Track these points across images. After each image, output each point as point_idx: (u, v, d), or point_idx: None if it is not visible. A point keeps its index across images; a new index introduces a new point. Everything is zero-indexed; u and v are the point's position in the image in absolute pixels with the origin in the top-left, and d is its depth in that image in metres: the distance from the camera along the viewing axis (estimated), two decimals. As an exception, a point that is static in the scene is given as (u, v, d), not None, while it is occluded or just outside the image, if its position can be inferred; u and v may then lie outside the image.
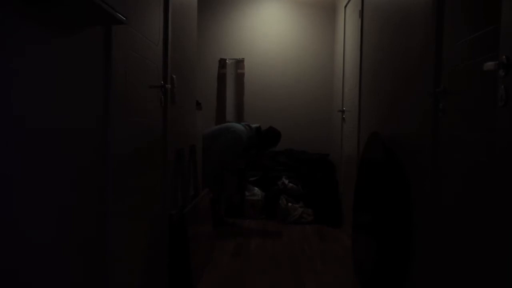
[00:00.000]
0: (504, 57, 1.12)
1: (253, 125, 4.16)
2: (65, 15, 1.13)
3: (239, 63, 5.28)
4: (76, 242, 1.22)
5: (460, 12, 1.67)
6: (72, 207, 1.19)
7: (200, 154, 3.50)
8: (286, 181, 4.62)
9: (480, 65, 1.27)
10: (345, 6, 4.45)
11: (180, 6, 2.62)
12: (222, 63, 5.29)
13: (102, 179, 1.41)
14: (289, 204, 4.46)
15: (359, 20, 3.67)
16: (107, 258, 1.44)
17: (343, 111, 4.42)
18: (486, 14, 1.43)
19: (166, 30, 2.21)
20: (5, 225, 0.88)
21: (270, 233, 4.04)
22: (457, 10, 1.70)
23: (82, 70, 1.26)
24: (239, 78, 5.28)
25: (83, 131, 1.27)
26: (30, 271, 0.99)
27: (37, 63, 1.00)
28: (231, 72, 5.31)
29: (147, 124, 1.95)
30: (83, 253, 1.28)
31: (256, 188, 4.60)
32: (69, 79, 1.17)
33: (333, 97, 5.17)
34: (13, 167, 0.91)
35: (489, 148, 1.35)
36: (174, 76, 2.38)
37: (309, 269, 3.03)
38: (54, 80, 1.08)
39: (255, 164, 4.71)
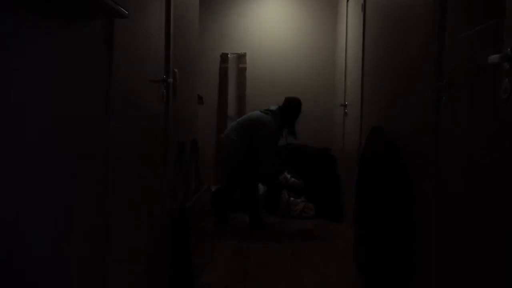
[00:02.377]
0: (508, 49, 1.12)
1: (272, 107, 4.00)
2: (65, 9, 1.13)
3: (241, 57, 5.27)
4: (75, 241, 1.21)
5: (463, 4, 1.66)
6: (72, 206, 1.18)
7: (202, 148, 3.49)
8: (288, 176, 4.62)
9: (484, 59, 1.26)
10: (348, 0, 4.43)
11: (181, 0, 2.61)
12: (224, 57, 5.27)
13: (103, 177, 1.40)
14: (291, 199, 4.46)
15: (361, 13, 3.66)
16: (107, 258, 1.43)
17: (345, 106, 4.40)
18: (490, 7, 1.42)
19: (168, 24, 2.20)
20: (5, 225, 0.88)
21: (272, 227, 4.04)
22: (460, 3, 1.69)
23: (83, 65, 1.25)
24: (241, 73, 5.26)
25: (84, 127, 1.26)
26: (30, 271, 0.99)
27: (37, 60, 1.00)
28: (233, 67, 5.30)
29: (149, 118, 1.95)
30: (83, 253, 1.27)
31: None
32: (70, 75, 1.16)
33: (335, 91, 5.15)
34: (13, 166, 0.90)
35: (491, 142, 1.34)
36: (176, 70, 2.38)
37: (310, 264, 3.03)
38: (55, 76, 1.07)
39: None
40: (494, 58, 1.17)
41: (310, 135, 5.21)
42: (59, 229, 1.11)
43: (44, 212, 1.03)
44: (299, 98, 4.01)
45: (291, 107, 3.96)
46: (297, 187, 4.57)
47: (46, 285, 1.06)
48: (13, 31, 0.89)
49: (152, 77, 1.97)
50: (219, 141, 5.25)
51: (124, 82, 1.57)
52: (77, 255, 1.23)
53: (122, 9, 1.27)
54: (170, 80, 2.23)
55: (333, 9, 5.27)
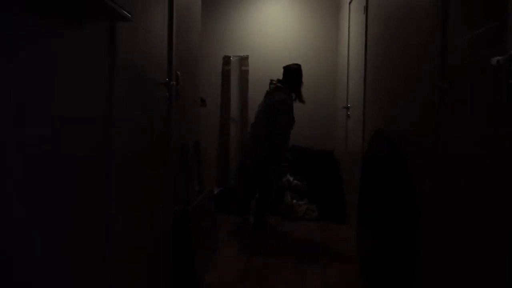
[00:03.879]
0: None
1: (277, 84, 4.02)
2: (67, 10, 1.13)
3: (243, 60, 5.27)
4: (75, 241, 1.21)
5: (465, 5, 1.66)
6: (72, 206, 1.18)
7: (204, 150, 3.49)
8: (291, 178, 4.61)
9: (486, 60, 1.26)
10: (350, 3, 4.43)
11: (184, 3, 2.61)
12: (226, 60, 5.28)
13: (103, 178, 1.40)
14: (294, 201, 4.46)
15: (363, 15, 3.65)
16: (107, 258, 1.43)
17: (347, 108, 4.40)
18: (492, 8, 1.42)
19: (171, 26, 2.20)
20: (5, 225, 0.88)
21: (274, 229, 4.03)
22: (461, 4, 1.69)
23: (85, 66, 1.25)
24: (243, 75, 5.27)
25: (85, 128, 1.26)
26: (30, 271, 0.99)
27: (37, 60, 1.00)
28: (235, 69, 5.31)
29: (151, 120, 1.95)
30: (83, 253, 1.27)
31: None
32: (71, 76, 1.16)
33: (338, 94, 5.15)
34: (13, 166, 0.90)
35: (492, 143, 1.34)
36: (178, 73, 2.38)
37: (311, 265, 3.02)
38: (55, 77, 1.07)
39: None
40: (497, 60, 1.17)
41: (312, 137, 5.21)
42: (59, 229, 1.11)
43: (44, 212, 1.03)
44: (296, 63, 4.08)
45: (294, 74, 4.01)
46: (299, 189, 4.56)
47: (46, 285, 1.06)
48: (13, 31, 0.89)
49: (155, 80, 1.97)
50: (222, 143, 5.26)
51: (126, 84, 1.57)
52: (77, 255, 1.23)
53: (125, 12, 1.28)
54: (173, 82, 2.23)
55: (335, 11, 5.27)
